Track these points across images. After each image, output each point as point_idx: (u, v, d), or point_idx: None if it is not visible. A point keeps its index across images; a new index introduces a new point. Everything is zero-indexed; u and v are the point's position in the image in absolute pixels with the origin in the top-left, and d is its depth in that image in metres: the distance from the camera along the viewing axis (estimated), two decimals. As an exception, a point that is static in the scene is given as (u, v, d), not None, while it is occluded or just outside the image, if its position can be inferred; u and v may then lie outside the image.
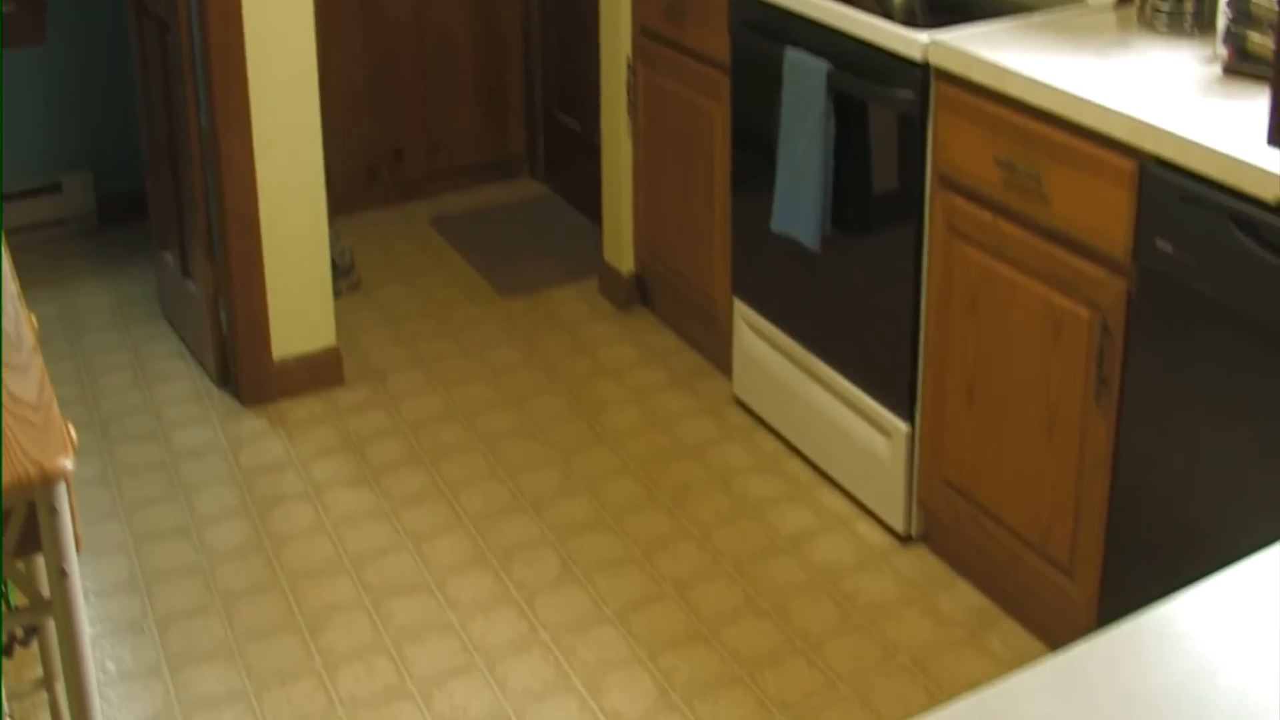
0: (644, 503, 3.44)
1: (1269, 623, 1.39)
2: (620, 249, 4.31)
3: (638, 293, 4.35)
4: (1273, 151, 2.31)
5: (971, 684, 2.78)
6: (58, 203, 4.85)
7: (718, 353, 3.99)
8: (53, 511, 2.03)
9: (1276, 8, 2.55)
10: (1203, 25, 2.88)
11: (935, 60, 2.94)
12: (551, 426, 3.76)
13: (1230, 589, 1.44)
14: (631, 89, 4.11)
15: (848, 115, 3.21)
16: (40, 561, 2.29)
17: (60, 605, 2.08)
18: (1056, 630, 2.89)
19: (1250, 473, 2.41)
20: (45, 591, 2.16)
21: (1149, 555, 2.64)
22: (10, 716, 2.61)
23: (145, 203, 4.40)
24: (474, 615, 3.07)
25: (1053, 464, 2.81)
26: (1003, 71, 2.76)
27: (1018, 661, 2.84)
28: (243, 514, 3.42)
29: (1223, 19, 2.66)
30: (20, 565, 2.30)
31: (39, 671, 2.68)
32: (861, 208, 3.28)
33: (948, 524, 3.18)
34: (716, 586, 3.16)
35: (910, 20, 3.09)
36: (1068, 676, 1.37)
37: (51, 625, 2.29)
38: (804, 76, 3.24)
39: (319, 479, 3.55)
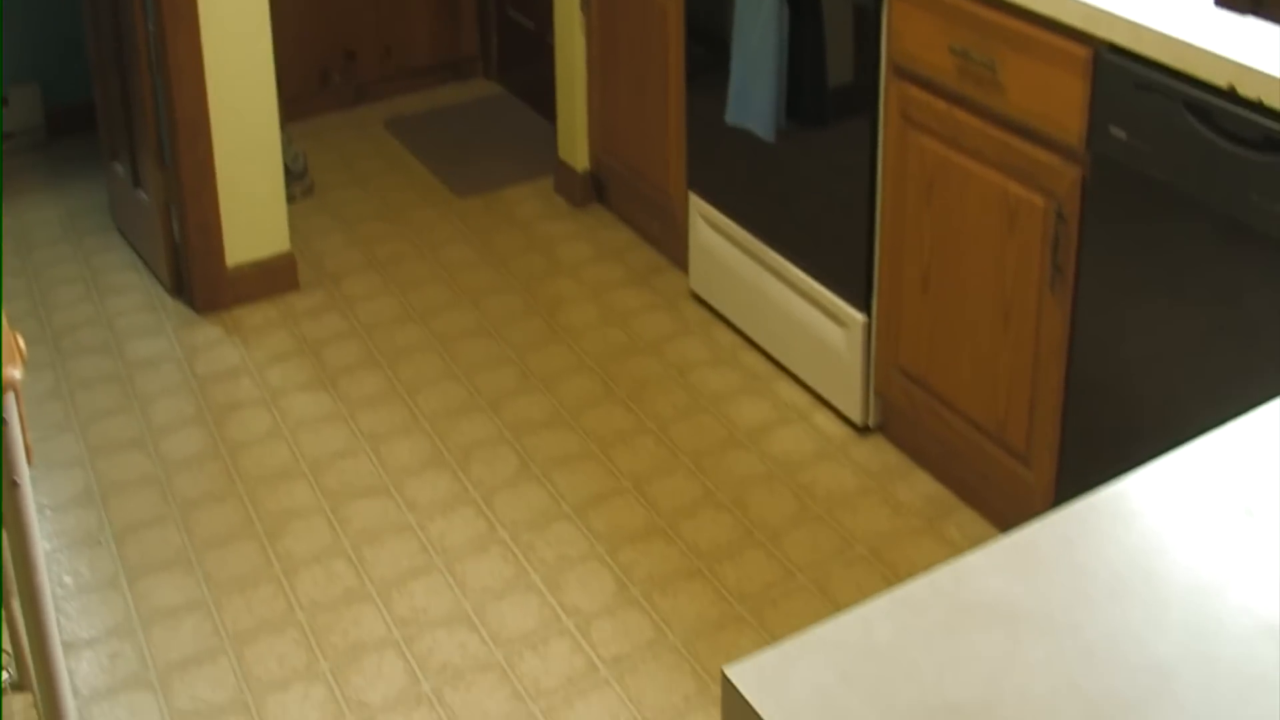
0: (601, 399, 3.40)
1: (1219, 500, 1.37)
2: (575, 146, 4.23)
3: (593, 190, 4.29)
4: (1225, 35, 2.27)
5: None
6: (5, 116, 4.73)
7: (674, 248, 3.94)
8: (2, 422, 1.98)
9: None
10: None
11: (886, -56, 2.87)
12: (508, 325, 3.71)
13: (1181, 467, 1.42)
14: (582, -16, 4.02)
15: (801, 6, 3.13)
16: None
17: (12, 517, 2.03)
18: (1013, 518, 2.88)
19: (1204, 358, 2.38)
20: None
21: (1104, 442, 2.62)
22: (7, 652, 2.57)
23: (94, 113, 4.30)
24: (432, 516, 3.04)
25: (1009, 352, 2.78)
26: (954, -46, 2.70)
27: (974, 549, 2.82)
28: (199, 422, 3.37)
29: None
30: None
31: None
32: (816, 99, 3.21)
33: (905, 414, 3.15)
34: (675, 480, 3.13)
35: (861, -95, 3.02)
36: (1021, 555, 1.34)
37: (3, 540, 2.25)
38: (754, -35, 3.16)
39: (275, 384, 3.50)
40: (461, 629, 2.74)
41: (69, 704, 2.21)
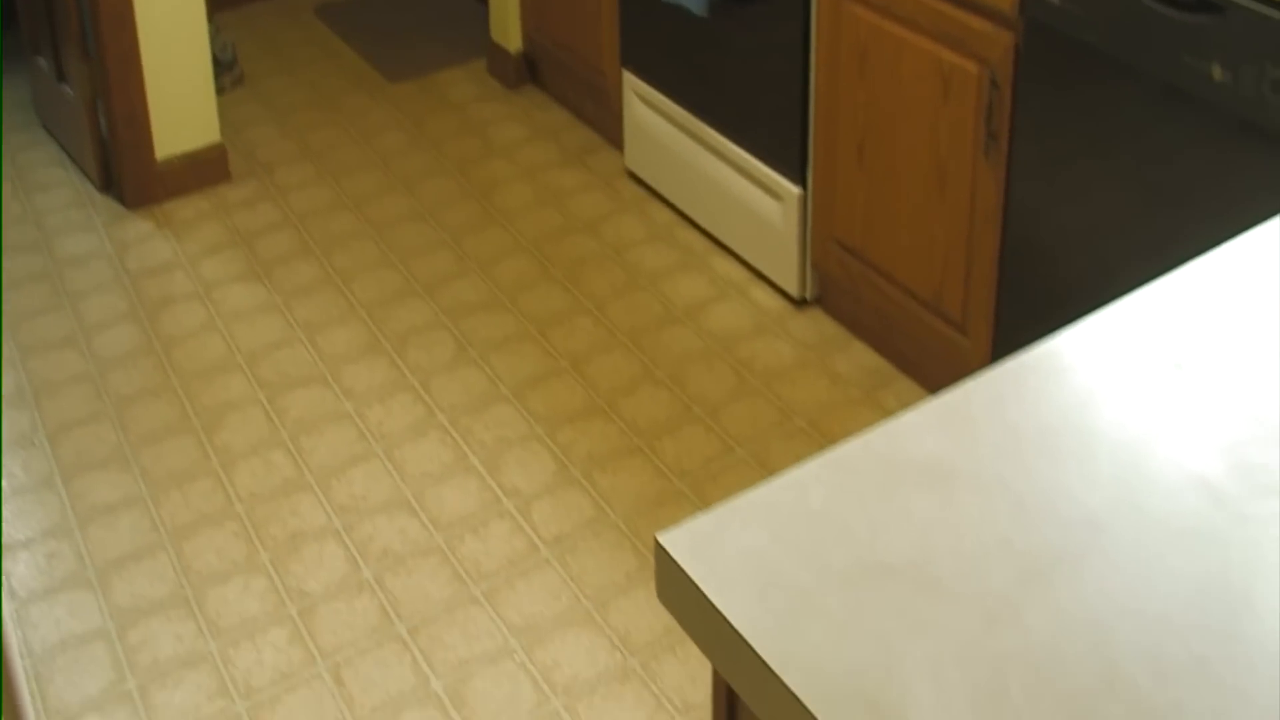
0: (538, 280, 3.33)
1: (1149, 355, 1.34)
2: (507, 27, 4.12)
3: (526, 71, 4.18)
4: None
5: (869, 442, 2.72)
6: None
7: (608, 126, 3.85)
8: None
9: None
10: None
11: None
12: (443, 209, 3.62)
13: (1111, 324, 1.38)
14: None
15: None
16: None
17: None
18: (951, 386, 2.84)
19: (1136, 223, 2.33)
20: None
21: (1040, 308, 2.58)
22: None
23: (14, 6, 4.15)
24: (370, 403, 2.97)
25: (943, 221, 2.72)
26: None
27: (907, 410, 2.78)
28: (131, 318, 3.28)
29: None
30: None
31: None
32: (745, -31, 3.12)
33: (842, 286, 3.10)
34: (613, 359, 3.07)
35: None
36: (953, 414, 1.32)
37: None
38: None
39: (208, 277, 3.41)
40: (401, 514, 2.69)
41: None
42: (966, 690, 1.06)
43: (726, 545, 1.16)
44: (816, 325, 3.14)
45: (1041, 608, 1.10)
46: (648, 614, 2.46)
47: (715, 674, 1.22)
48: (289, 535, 2.65)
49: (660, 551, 1.17)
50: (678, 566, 1.14)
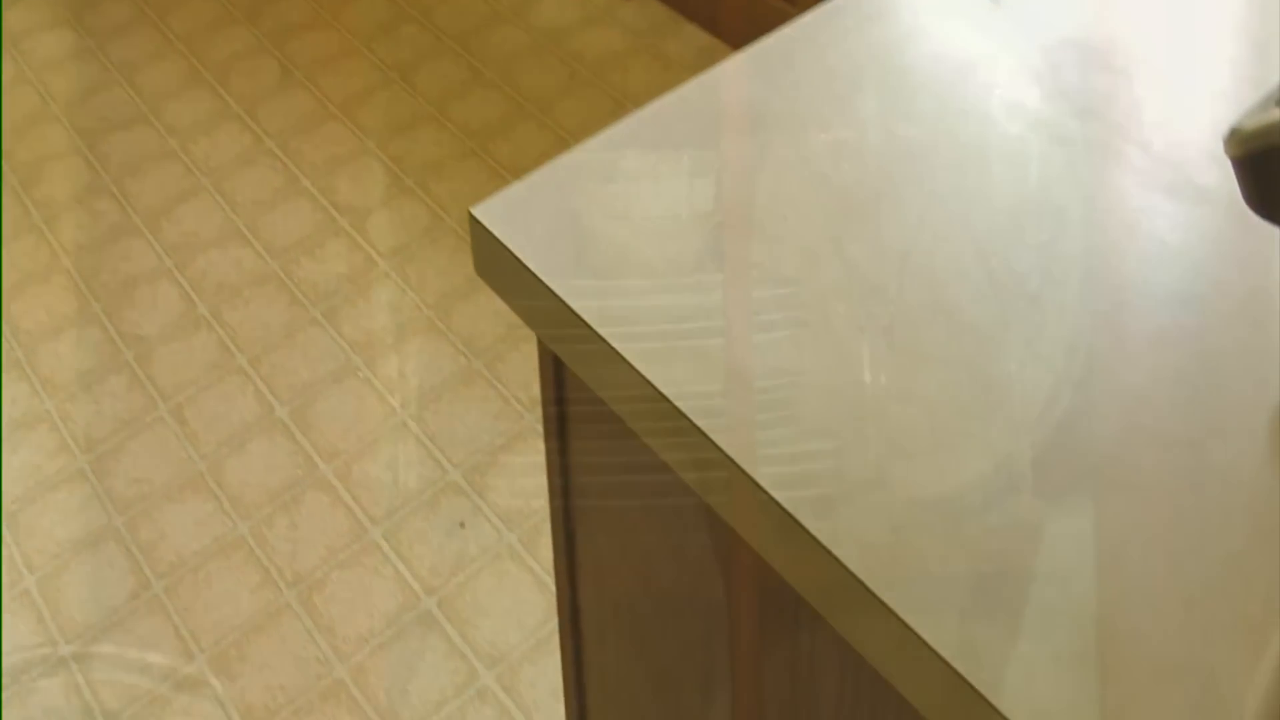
0: (358, -6, 3.07)
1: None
2: None
3: None
4: None
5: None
6: None
7: None
8: None
9: None
10: None
11: None
12: (256, -67, 3.32)
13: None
14: None
15: None
16: None
17: None
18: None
19: None
20: None
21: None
22: None
23: None
24: (195, 137, 2.74)
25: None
26: None
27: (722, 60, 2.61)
28: (-60, 77, 3.00)
29: None
30: None
31: None
32: None
33: (668, -37, 2.88)
34: (441, 65, 2.84)
35: None
36: (769, 62, 1.21)
37: None
38: None
39: (13, 28, 3.10)
40: (234, 245, 2.49)
41: None
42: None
43: (541, 210, 1.07)
44: (646, 11, 2.91)
45: (862, 241, 1.03)
46: (490, 316, 2.30)
47: (540, 344, 1.13)
48: (120, 282, 2.45)
49: (475, 224, 1.07)
50: (491, 236, 1.05)
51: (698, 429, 0.99)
